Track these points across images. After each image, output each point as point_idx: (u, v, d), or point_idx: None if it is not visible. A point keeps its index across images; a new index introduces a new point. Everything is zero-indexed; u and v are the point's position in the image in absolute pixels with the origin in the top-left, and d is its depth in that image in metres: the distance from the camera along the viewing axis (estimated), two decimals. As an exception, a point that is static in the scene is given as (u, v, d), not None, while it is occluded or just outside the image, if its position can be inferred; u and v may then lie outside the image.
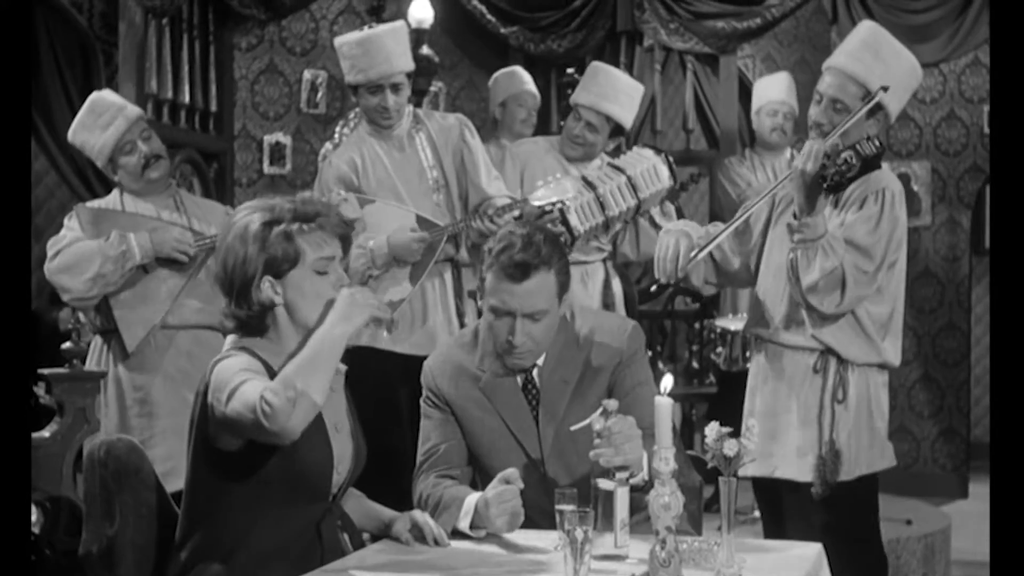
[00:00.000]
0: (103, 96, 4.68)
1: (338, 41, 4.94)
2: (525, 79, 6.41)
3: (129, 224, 4.49)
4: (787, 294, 3.77)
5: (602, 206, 5.02)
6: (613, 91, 5.36)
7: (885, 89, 3.72)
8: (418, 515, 3.02)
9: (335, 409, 2.98)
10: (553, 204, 4.80)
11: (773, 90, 6.79)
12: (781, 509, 3.87)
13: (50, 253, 4.48)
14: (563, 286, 3.24)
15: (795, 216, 3.64)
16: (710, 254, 3.90)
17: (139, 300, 4.50)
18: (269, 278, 2.88)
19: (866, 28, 3.91)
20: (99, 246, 4.40)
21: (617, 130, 5.42)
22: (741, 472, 3.74)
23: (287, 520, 2.87)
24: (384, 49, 4.76)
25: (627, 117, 5.41)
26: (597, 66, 5.59)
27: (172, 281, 4.52)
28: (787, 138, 6.77)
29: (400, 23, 5.02)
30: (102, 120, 4.53)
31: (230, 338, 2.99)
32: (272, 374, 2.83)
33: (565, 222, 4.82)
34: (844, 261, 3.63)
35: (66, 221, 4.56)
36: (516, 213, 4.74)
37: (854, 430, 3.77)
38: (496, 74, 6.48)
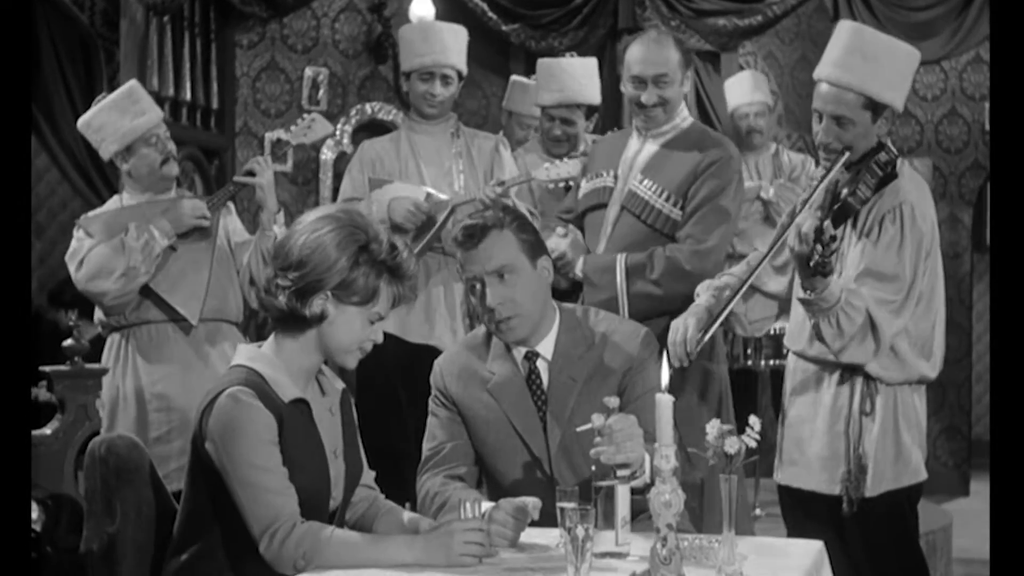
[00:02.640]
0: (140, 87, 4.70)
1: (401, 29, 5.32)
2: (531, 96, 6.31)
3: (141, 214, 4.50)
4: None
5: None
6: (572, 80, 5.37)
7: (849, 149, 3.56)
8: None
9: (333, 434, 2.96)
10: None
11: (737, 93, 6.81)
12: (805, 520, 3.70)
13: (72, 267, 4.47)
14: (529, 245, 3.26)
15: (803, 288, 3.43)
16: (758, 291, 3.81)
17: (180, 276, 4.53)
18: (331, 295, 2.83)
19: (847, 30, 3.69)
20: (121, 242, 4.41)
21: (590, 109, 5.44)
22: (785, 482, 3.71)
23: None
24: (442, 40, 5.04)
25: (595, 95, 5.44)
26: (547, 63, 5.55)
27: (202, 246, 4.57)
28: (765, 136, 6.78)
29: (462, 27, 5.17)
30: (138, 107, 4.55)
31: (240, 350, 2.96)
32: (268, 392, 2.82)
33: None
34: (868, 305, 3.46)
35: (75, 233, 4.55)
36: (522, 180, 4.84)
37: (880, 442, 3.60)
38: (512, 78, 6.39)
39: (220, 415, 2.77)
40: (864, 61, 3.58)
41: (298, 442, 2.83)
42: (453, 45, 5.06)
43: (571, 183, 5.02)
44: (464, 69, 5.10)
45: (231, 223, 4.74)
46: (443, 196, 4.88)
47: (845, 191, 3.53)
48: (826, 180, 3.61)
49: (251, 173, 4.58)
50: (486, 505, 2.96)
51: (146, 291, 4.49)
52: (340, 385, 3.03)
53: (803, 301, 3.46)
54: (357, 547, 2.74)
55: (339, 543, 2.73)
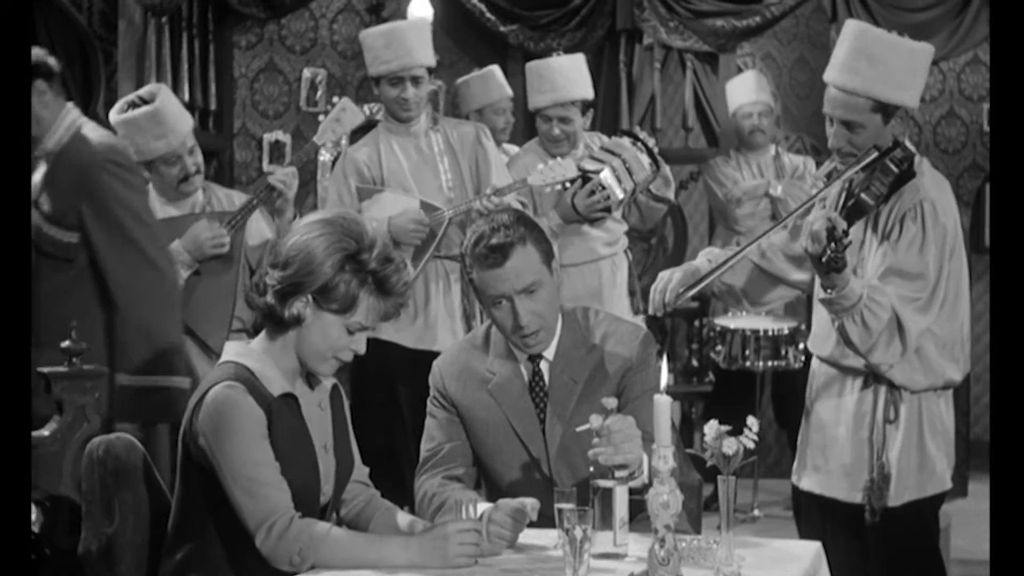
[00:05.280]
0: (170, 104, 4.57)
1: (363, 33, 5.14)
2: (499, 82, 6.25)
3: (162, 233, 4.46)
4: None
5: (618, 179, 5.13)
6: (562, 79, 5.38)
7: (879, 148, 3.50)
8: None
9: (323, 428, 2.97)
10: (589, 172, 5.04)
11: (741, 92, 6.84)
12: (825, 525, 3.63)
13: None
14: (547, 254, 3.24)
15: (823, 288, 3.38)
16: (764, 271, 3.76)
17: (204, 304, 4.49)
18: (311, 299, 2.83)
19: (851, 32, 3.61)
20: None
21: (585, 105, 5.45)
22: (805, 487, 3.68)
23: None
24: (406, 42, 4.93)
25: (587, 91, 5.45)
26: (536, 65, 5.54)
27: (225, 268, 4.51)
28: (767, 136, 6.80)
29: (424, 19, 5.11)
30: (160, 129, 4.46)
31: (228, 347, 2.96)
32: (257, 386, 2.82)
33: (603, 187, 5.07)
34: (894, 302, 3.39)
35: None
36: (517, 186, 4.85)
37: (904, 451, 3.54)
38: (466, 79, 6.34)
39: (210, 410, 2.78)
40: (870, 64, 3.50)
41: (287, 436, 2.83)
42: (417, 43, 4.95)
43: (567, 184, 5.04)
44: (432, 63, 5.02)
45: (253, 225, 4.65)
46: (436, 204, 4.86)
47: (859, 189, 3.47)
48: (843, 178, 3.56)
49: (279, 183, 4.50)
50: (483, 506, 2.96)
51: None
52: (330, 381, 3.03)
53: (825, 301, 3.41)
54: (353, 546, 2.74)
55: (335, 542, 2.73)
